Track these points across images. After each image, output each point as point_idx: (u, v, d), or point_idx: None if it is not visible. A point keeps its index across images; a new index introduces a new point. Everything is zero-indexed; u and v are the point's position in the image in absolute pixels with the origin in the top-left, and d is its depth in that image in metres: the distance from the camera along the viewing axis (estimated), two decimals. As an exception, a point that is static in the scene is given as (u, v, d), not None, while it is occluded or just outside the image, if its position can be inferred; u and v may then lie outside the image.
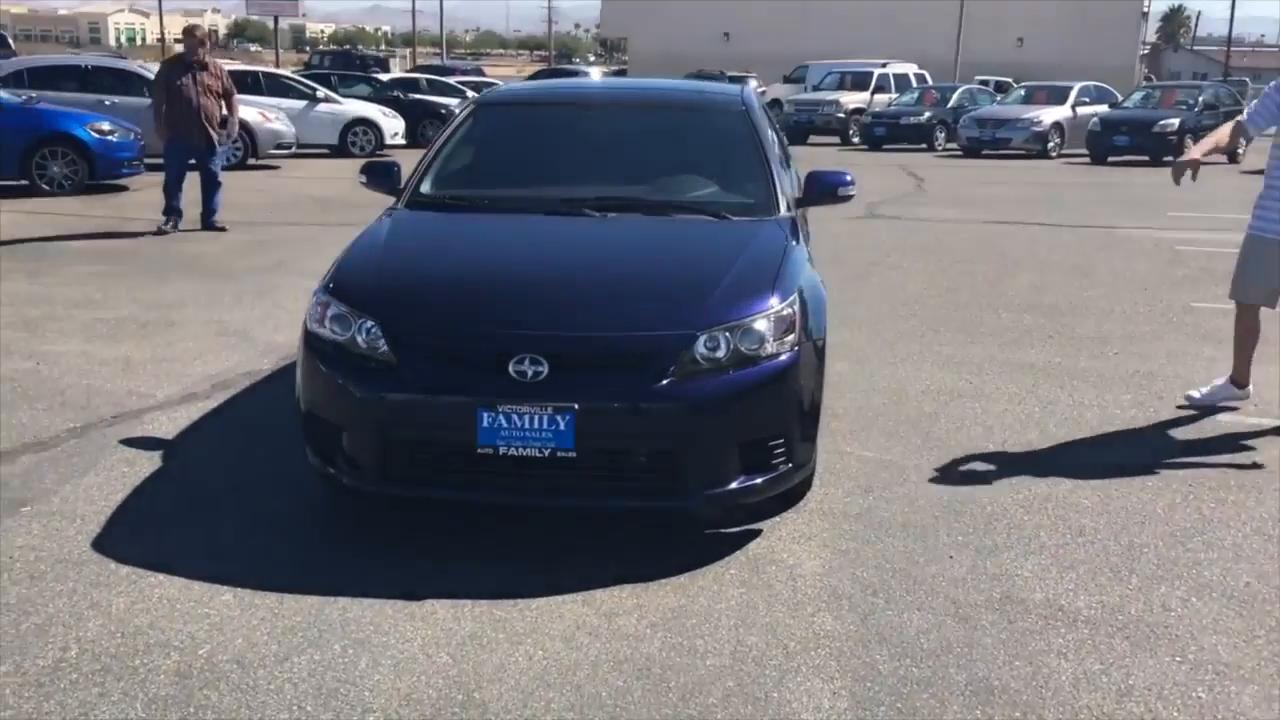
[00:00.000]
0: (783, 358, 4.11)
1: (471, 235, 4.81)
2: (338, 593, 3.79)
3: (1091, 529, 4.44)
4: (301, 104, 20.98)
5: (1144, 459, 5.23)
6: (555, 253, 4.64)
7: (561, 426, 3.86)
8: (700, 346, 3.97)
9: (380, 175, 5.35)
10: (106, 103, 17.04)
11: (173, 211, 11.57)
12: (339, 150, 21.06)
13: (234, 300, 8.36)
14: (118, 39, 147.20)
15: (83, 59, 19.39)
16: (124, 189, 15.09)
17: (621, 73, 53.05)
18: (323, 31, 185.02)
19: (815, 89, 33.46)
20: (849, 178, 5.29)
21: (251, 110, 18.46)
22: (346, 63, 39.80)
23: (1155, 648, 3.54)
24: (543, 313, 4.07)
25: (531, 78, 43.35)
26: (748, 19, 51.90)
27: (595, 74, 42.94)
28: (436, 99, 26.28)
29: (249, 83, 21.06)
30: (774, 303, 4.16)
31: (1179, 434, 5.66)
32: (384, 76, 30.96)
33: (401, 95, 26.20)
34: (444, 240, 4.78)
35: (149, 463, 4.97)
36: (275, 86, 21.43)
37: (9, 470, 4.85)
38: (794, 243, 4.73)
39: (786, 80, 39.21)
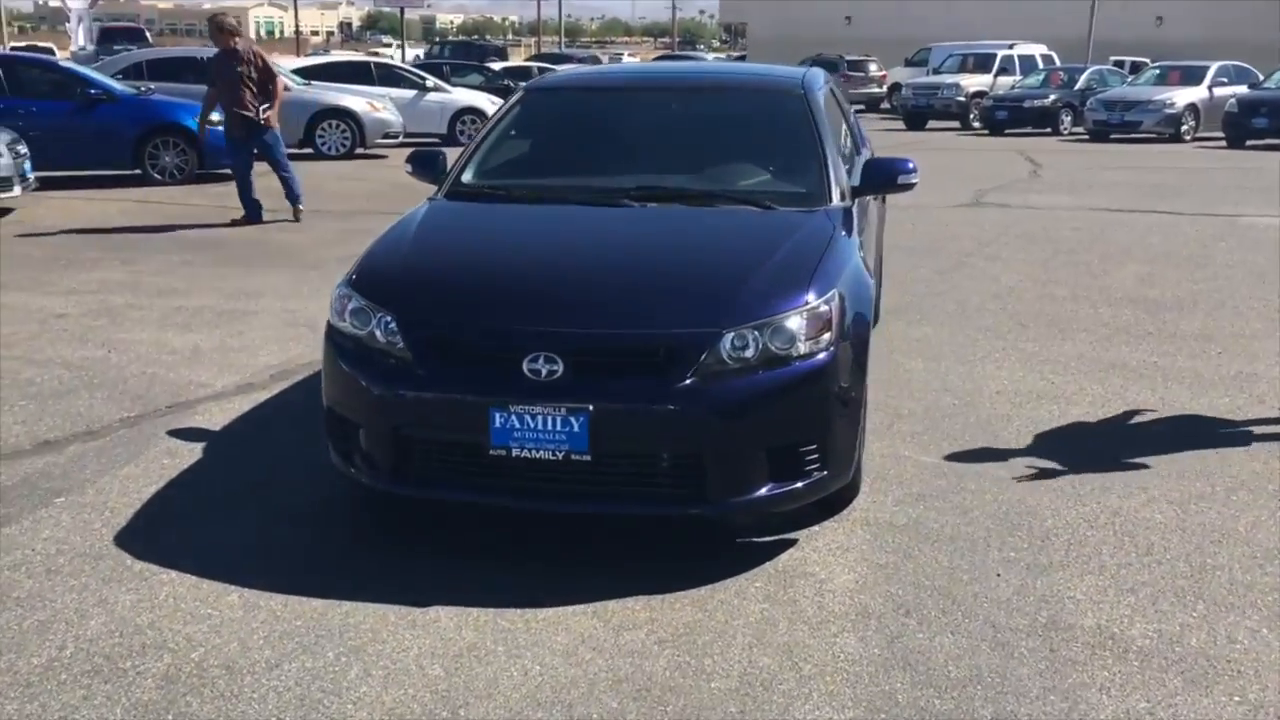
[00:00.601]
0: (818, 358, 3.86)
1: (501, 227, 4.66)
2: (346, 596, 3.68)
3: (1161, 547, 4.08)
4: (411, 93, 21.18)
5: (1232, 470, 4.82)
6: (584, 245, 4.45)
7: (575, 428, 3.68)
8: (726, 345, 3.75)
9: (425, 165, 5.24)
10: (221, 94, 17.43)
11: (245, 206, 11.47)
12: (448, 139, 21.16)
13: (312, 290, 8.37)
14: (257, 33, 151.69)
15: (199, 51, 19.87)
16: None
17: (742, 58, 52.57)
18: (452, 22, 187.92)
19: (935, 72, 32.56)
20: (911, 165, 4.98)
21: (359, 100, 18.74)
22: (465, 52, 40.20)
23: (1212, 685, 3.21)
24: (561, 309, 3.88)
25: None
26: (870, 2, 50.76)
27: (709, 61, 42.60)
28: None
29: (362, 73, 21.43)
30: (810, 299, 3.91)
31: (1277, 443, 5.21)
32: (496, 66, 31.16)
33: (512, 84, 26.34)
34: (472, 232, 4.64)
35: (190, 455, 4.95)
36: (387, 76, 21.69)
37: (53, 460, 4.88)
38: (843, 235, 4.46)
39: (908, 63, 38.27)
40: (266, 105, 11.20)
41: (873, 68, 38.14)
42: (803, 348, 3.84)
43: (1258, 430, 5.35)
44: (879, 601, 3.69)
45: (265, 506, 4.41)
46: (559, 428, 3.69)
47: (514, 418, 3.71)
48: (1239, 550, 4.05)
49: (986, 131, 27.38)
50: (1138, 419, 5.51)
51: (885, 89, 37.21)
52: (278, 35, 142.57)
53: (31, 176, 12.23)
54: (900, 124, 29.89)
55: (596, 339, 3.77)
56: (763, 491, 3.81)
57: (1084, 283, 8.75)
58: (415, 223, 4.64)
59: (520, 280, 4.11)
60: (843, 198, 4.79)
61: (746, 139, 5.20)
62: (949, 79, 30.39)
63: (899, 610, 3.63)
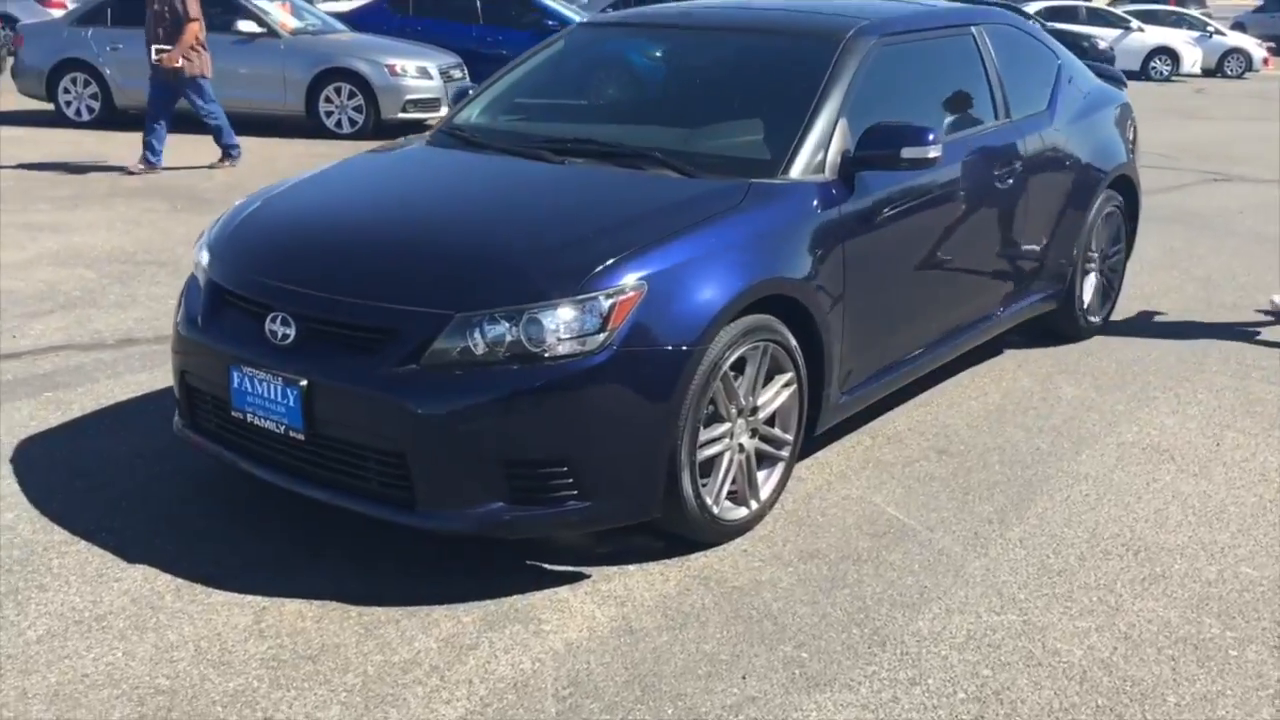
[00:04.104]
0: (583, 361, 3.14)
1: (385, 176, 4.25)
2: (84, 535, 3.57)
3: (1011, 700, 2.86)
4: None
5: (1242, 618, 3.28)
6: (421, 202, 3.95)
7: (290, 402, 3.31)
8: (469, 332, 3.15)
9: (457, 100, 4.92)
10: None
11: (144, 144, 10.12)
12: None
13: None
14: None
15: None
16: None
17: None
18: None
19: None
20: (930, 137, 3.82)
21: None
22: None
23: None
24: (312, 268, 3.48)
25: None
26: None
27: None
28: (1084, 30, 25.12)
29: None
30: (596, 286, 3.18)
31: None
32: (1030, 7, 28.87)
33: (1041, 23, 24.36)
34: (356, 179, 4.25)
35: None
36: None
37: (90, 359, 5.17)
38: (762, 215, 3.61)
39: None
40: (163, 48, 9.72)
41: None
42: (561, 347, 3.13)
43: None
44: (559, 675, 2.94)
45: (156, 436, 4.32)
46: (278, 398, 3.34)
47: (247, 380, 3.41)
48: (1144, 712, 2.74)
49: None
50: (1170, 494, 3.93)
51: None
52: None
53: (466, 100, 13.30)
54: None
55: (323, 304, 3.34)
56: (485, 511, 3.19)
57: None
58: (336, 164, 4.38)
59: (311, 235, 3.72)
60: (819, 170, 3.82)
61: (756, 92, 4.26)
62: None
63: (563, 692, 2.87)
